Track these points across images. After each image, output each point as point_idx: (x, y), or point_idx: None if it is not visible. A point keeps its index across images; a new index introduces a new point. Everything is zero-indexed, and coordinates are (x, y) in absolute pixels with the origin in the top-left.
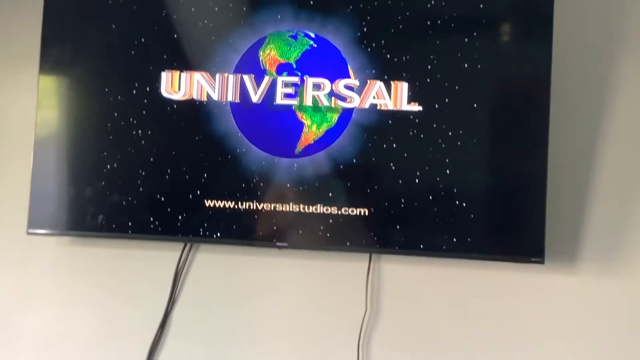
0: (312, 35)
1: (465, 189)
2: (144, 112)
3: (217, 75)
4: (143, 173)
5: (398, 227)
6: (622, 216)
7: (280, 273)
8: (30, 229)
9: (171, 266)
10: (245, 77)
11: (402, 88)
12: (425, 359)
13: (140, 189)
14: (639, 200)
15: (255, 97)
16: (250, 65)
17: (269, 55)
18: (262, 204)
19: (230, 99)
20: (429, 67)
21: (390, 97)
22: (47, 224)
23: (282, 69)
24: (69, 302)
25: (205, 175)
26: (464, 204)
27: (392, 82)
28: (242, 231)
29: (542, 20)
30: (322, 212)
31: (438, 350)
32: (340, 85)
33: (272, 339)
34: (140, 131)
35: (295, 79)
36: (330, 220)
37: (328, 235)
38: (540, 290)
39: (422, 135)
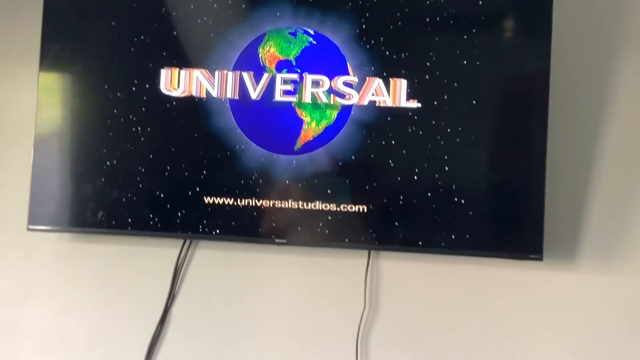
0: (312, 32)
1: (464, 186)
2: (143, 109)
3: (216, 72)
4: (142, 170)
5: (397, 223)
6: (620, 213)
7: (279, 269)
8: (30, 225)
9: (171, 262)
10: (245, 74)
11: (401, 85)
12: (423, 355)
13: (140, 186)
14: (637, 197)
15: (254, 94)
16: (250, 62)
17: (269, 52)
18: (261, 201)
19: (229, 96)
20: (428, 64)
21: (389, 94)
22: (47, 220)
23: (282, 65)
24: (69, 297)
25: (204, 172)
26: (463, 201)
27: (391, 79)
28: (241, 228)
29: (541, 18)
30: (321, 208)
31: (437, 347)
32: (339, 82)
33: (271, 335)
34: (139, 128)
35: (295, 76)
36: (329, 217)
37: (327, 232)
38: (539, 287)
39: (420, 132)
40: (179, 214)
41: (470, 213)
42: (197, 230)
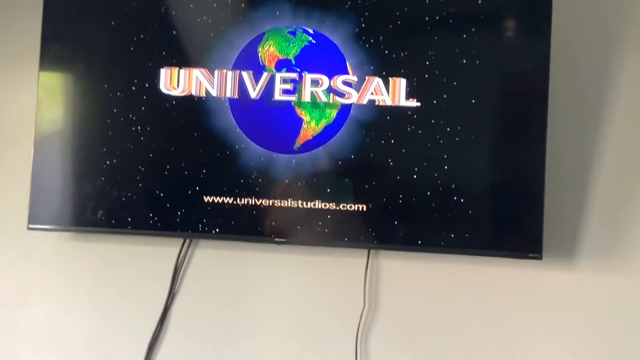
0: (311, 31)
1: (463, 185)
2: (143, 108)
3: (216, 72)
4: (142, 169)
5: (396, 222)
6: (620, 212)
7: (278, 269)
8: (30, 225)
9: (171, 261)
10: (244, 74)
11: (400, 84)
12: (423, 354)
13: (140, 185)
14: (637, 196)
15: (253, 93)
16: (249, 61)
17: (268, 52)
18: (260, 200)
19: (228, 95)
20: (427, 63)
21: (388, 93)
22: (47, 219)
23: (281, 65)
24: (69, 297)
25: (204, 171)
26: (462, 200)
27: (390, 78)
28: (240, 227)
29: (541, 16)
30: (320, 207)
31: (436, 346)
32: (338, 81)
33: (271, 334)
34: (139, 127)
35: (294, 75)
36: (329, 216)
37: (326, 231)
38: (539, 286)
39: (420, 131)
40: (179, 213)
41: (470, 212)
42: (196, 229)
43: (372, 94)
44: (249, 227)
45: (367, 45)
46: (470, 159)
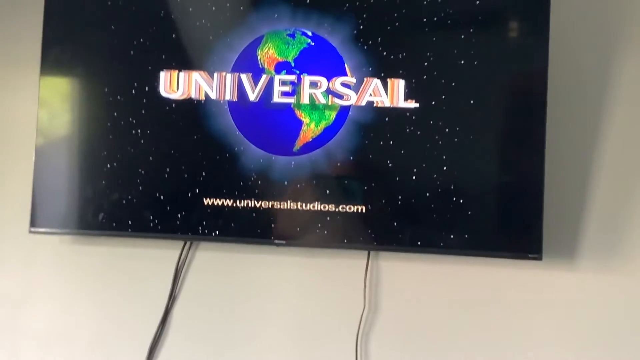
0: (309, 33)
1: (463, 186)
2: (143, 111)
3: (215, 75)
4: (142, 172)
5: (395, 224)
6: (620, 212)
7: (279, 271)
8: (32, 228)
9: (171, 264)
10: (243, 76)
11: (398, 85)
12: (423, 355)
13: (140, 188)
14: (637, 197)
15: (252, 95)
16: (248, 64)
17: (267, 54)
18: (260, 202)
19: (228, 97)
20: (426, 64)
21: (387, 95)
22: (48, 222)
23: (281, 67)
24: (70, 299)
25: (203, 173)
26: (461, 201)
27: (388, 80)
28: (240, 229)
29: (539, 16)
30: (319, 209)
31: (436, 347)
32: (337, 83)
33: (271, 335)
34: (139, 130)
35: (293, 77)
36: (328, 218)
37: (326, 232)
38: (539, 286)
39: (419, 132)
40: (179, 215)
41: (469, 213)
42: (196, 231)
43: (370, 95)
44: (249, 230)
45: (366, 47)
46: (470, 160)
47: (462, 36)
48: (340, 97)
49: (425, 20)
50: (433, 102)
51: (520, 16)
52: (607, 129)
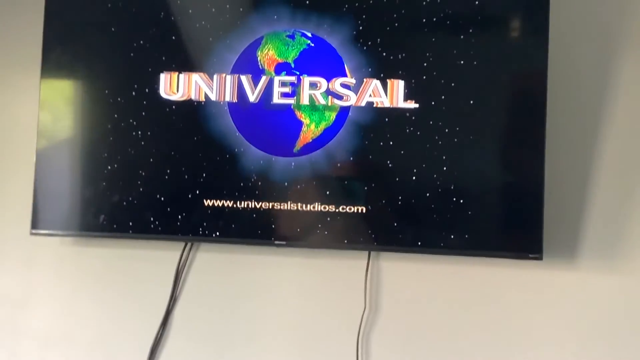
0: (309, 34)
1: (463, 186)
2: (143, 113)
3: (215, 76)
4: (143, 173)
5: (396, 224)
6: (621, 212)
7: (279, 271)
8: (33, 230)
9: (172, 265)
10: (243, 77)
11: (398, 86)
12: (424, 356)
13: (141, 189)
14: (637, 196)
15: (252, 96)
16: (248, 65)
17: (267, 55)
18: (260, 203)
19: (227, 99)
20: (425, 64)
21: (386, 95)
22: (49, 224)
23: (281, 68)
24: (71, 301)
25: (204, 175)
26: (462, 201)
27: (388, 80)
28: (240, 230)
29: (538, 17)
30: (320, 210)
31: (437, 347)
32: (336, 83)
33: (272, 336)
34: (140, 132)
35: (292, 78)
36: (328, 219)
37: (326, 233)
38: (539, 286)
39: (418, 133)
40: (179, 217)
41: (470, 213)
42: (197, 233)
43: (370, 96)
44: (249, 230)
45: (365, 48)
46: (469, 160)
47: (462, 36)
48: (340, 97)
49: (424, 20)
50: (433, 103)
51: (519, 16)
52: (607, 128)
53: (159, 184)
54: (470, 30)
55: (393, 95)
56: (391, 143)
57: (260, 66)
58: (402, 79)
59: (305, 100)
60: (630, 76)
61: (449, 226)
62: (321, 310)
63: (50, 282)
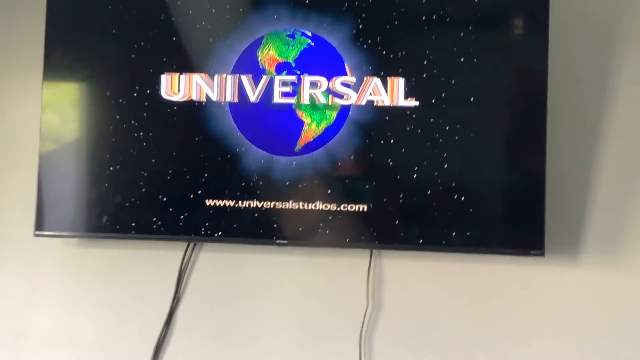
0: (309, 34)
1: (464, 183)
2: (145, 114)
3: (216, 76)
4: (145, 174)
5: (397, 222)
6: (623, 208)
7: (281, 270)
8: (37, 231)
9: (175, 265)
10: (243, 77)
11: (398, 84)
12: (426, 353)
13: (143, 190)
14: (639, 192)
15: (253, 96)
16: (248, 65)
17: (268, 55)
18: (261, 203)
19: (228, 99)
20: (425, 62)
21: (387, 93)
22: (53, 225)
23: (281, 68)
24: (75, 301)
25: (205, 175)
26: (463, 198)
27: (388, 78)
28: (242, 229)
29: (539, 15)
30: (321, 209)
31: (439, 345)
32: (337, 82)
33: (275, 335)
34: (141, 133)
35: (293, 78)
36: (330, 217)
37: (328, 232)
38: (541, 283)
39: (419, 131)
40: (182, 217)
41: (471, 210)
42: (199, 233)
43: (370, 94)
44: (251, 230)
45: (365, 46)
46: (470, 157)
47: (462, 34)
48: (340, 96)
49: (424, 18)
50: (433, 100)
51: (519, 14)
52: (609, 125)
53: (161, 184)
54: (470, 28)
55: (393, 93)
56: (392, 141)
57: (260, 66)
58: (402, 77)
59: (305, 100)
60: (630, 75)
61: (450, 224)
62: (324, 308)
63: (53, 283)
